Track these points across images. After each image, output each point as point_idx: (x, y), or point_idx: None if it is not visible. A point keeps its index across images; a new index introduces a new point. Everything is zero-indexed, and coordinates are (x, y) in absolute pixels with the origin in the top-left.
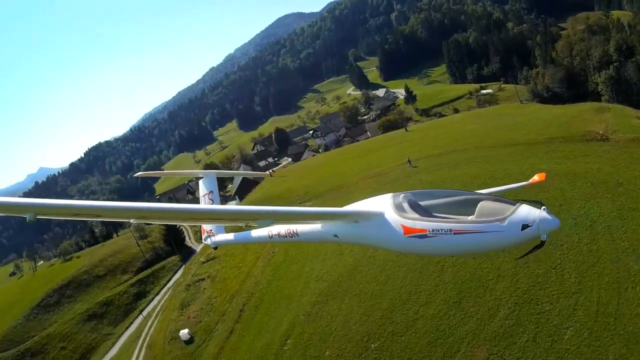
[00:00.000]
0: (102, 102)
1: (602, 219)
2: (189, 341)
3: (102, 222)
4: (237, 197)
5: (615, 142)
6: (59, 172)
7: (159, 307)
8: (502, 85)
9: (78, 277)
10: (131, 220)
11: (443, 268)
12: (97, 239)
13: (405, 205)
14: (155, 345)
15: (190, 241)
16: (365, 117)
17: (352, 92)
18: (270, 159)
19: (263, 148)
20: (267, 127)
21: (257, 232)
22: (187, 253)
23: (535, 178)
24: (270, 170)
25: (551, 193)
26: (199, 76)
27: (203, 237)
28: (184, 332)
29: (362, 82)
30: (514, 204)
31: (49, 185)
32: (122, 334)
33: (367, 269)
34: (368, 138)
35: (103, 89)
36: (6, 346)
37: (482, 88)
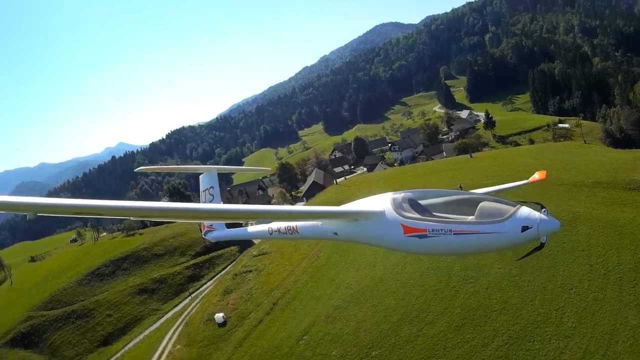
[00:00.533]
0: (193, 87)
1: (617, 269)
2: (222, 324)
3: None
4: (305, 198)
5: None
6: (137, 150)
7: (206, 291)
8: (580, 121)
9: (136, 253)
10: (131, 218)
11: (457, 293)
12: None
13: (406, 205)
14: (191, 323)
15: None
16: (445, 136)
17: (437, 109)
18: (347, 167)
19: (341, 155)
20: (352, 134)
21: (258, 228)
22: (246, 245)
23: (536, 176)
24: (335, 180)
25: (578, 237)
26: (292, 74)
27: (203, 232)
28: (219, 316)
29: (448, 101)
30: (514, 206)
31: (125, 161)
32: (169, 311)
33: (390, 283)
34: (443, 158)
35: (196, 74)
36: (53, 305)
37: (560, 121)
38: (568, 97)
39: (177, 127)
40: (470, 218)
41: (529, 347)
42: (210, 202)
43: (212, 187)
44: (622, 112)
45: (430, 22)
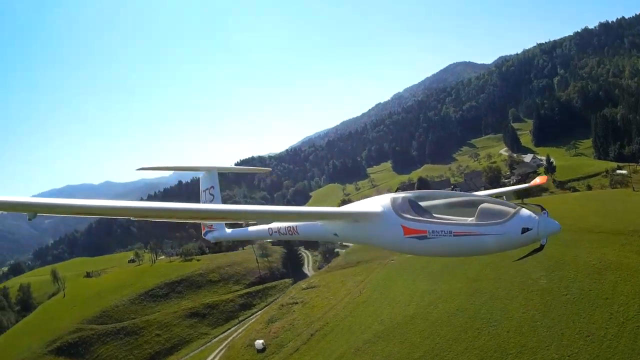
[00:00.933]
0: (266, 118)
1: (636, 318)
2: (261, 350)
3: None
4: None
5: None
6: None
7: (254, 319)
8: (637, 167)
9: (192, 277)
10: (132, 218)
11: (479, 335)
12: (221, 248)
13: (406, 206)
14: (233, 348)
15: (307, 268)
16: (507, 180)
17: (503, 152)
18: None
19: None
20: (419, 173)
21: (258, 229)
22: (300, 278)
23: (537, 180)
24: None
25: (604, 286)
26: (365, 109)
27: (203, 233)
28: (259, 342)
29: (514, 144)
30: (515, 207)
31: (192, 186)
32: (218, 336)
33: (420, 321)
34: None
35: (270, 106)
36: (104, 320)
37: (619, 167)
38: (628, 143)
39: (247, 157)
40: (470, 220)
41: None
42: (211, 202)
43: (212, 187)
44: None
45: (502, 63)
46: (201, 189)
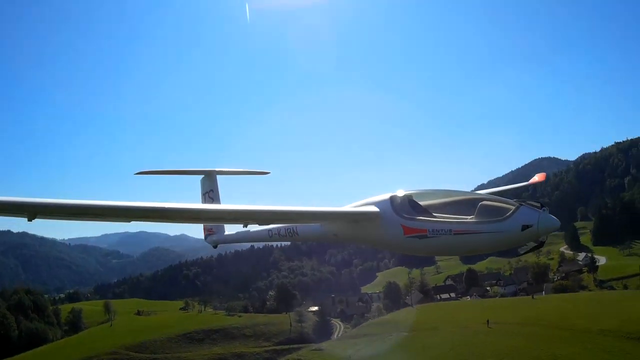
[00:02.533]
0: None
1: None
2: None
3: (276, 298)
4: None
5: None
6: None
7: None
8: None
9: (228, 329)
10: (132, 220)
11: None
12: (263, 309)
13: (405, 206)
14: None
15: (334, 337)
16: (552, 276)
17: (563, 249)
18: (453, 294)
19: (452, 283)
20: (485, 264)
21: (258, 230)
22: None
23: (536, 178)
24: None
25: None
26: None
27: (204, 236)
28: None
29: (573, 242)
30: (514, 205)
31: (265, 251)
32: None
33: None
34: (541, 295)
35: None
36: (140, 349)
37: None
38: None
39: None
40: (470, 218)
41: None
42: None
43: (211, 190)
44: None
45: (580, 161)
46: (201, 192)
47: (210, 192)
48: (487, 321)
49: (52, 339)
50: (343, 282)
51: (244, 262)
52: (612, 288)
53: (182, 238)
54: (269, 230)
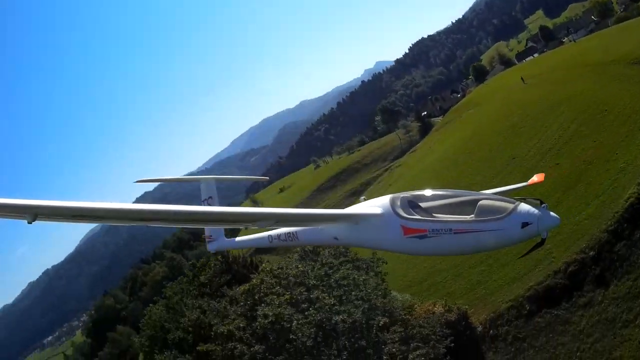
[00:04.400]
0: None
1: None
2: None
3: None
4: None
5: None
6: (384, 69)
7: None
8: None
9: (352, 166)
10: (132, 223)
11: None
12: (375, 135)
13: (405, 206)
14: None
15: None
16: None
17: None
18: (536, 55)
19: (533, 44)
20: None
21: (257, 236)
22: None
23: (535, 179)
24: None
25: None
26: None
27: (206, 244)
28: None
29: None
30: (514, 203)
31: (373, 82)
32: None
33: None
34: None
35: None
36: None
37: None
38: None
39: (417, 39)
40: (469, 217)
41: None
42: None
43: (210, 197)
44: None
45: None
46: (201, 199)
47: (209, 199)
48: (522, 78)
49: None
50: (458, 77)
51: (361, 99)
52: None
53: (303, 105)
54: (269, 235)
